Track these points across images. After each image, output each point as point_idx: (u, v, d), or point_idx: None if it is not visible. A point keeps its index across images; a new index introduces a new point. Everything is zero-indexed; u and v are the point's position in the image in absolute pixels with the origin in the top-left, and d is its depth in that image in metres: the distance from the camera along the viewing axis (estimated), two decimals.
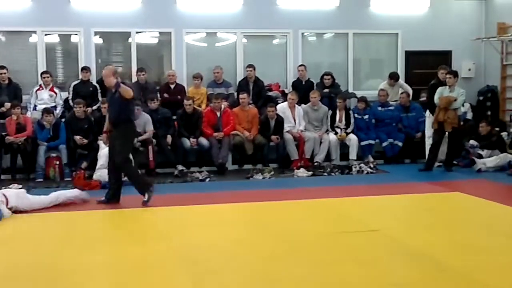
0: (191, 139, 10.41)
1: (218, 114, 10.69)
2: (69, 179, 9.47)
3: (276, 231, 6.33)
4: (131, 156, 7.76)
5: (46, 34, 11.38)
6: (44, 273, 4.97)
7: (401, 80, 12.26)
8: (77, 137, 9.93)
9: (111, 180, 7.81)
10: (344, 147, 11.14)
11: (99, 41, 11.74)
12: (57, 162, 9.89)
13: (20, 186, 8.11)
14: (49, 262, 5.26)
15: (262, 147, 10.70)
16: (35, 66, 11.34)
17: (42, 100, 10.64)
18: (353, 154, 10.94)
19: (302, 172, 10.17)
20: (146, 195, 7.59)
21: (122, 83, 7.61)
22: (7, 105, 10.25)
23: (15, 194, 7.33)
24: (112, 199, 7.69)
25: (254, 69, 11.42)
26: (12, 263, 5.29)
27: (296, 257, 5.37)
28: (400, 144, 11.27)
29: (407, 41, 12.69)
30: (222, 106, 10.76)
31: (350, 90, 12.34)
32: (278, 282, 4.64)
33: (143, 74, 11.05)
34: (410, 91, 11.86)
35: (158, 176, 9.87)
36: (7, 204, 7.02)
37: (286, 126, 10.89)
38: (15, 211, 7.10)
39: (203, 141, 10.48)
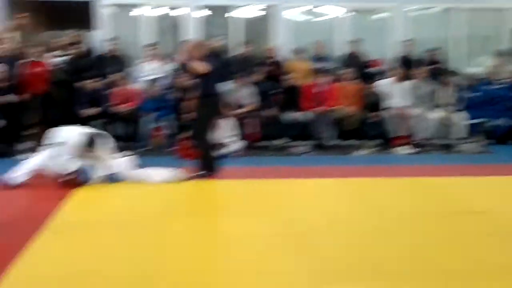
0: (292, 113, 10.40)
1: (320, 88, 10.61)
2: (174, 148, 9.69)
3: (377, 209, 6.23)
4: (209, 131, 7.75)
5: (154, 7, 11.65)
6: (146, 242, 5.12)
7: None
8: (177, 94, 10.13)
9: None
10: (449, 125, 10.81)
11: (203, 14, 11.88)
12: (162, 132, 10.15)
13: (128, 154, 8.35)
14: (153, 233, 5.41)
15: (364, 123, 10.57)
16: (142, 38, 11.65)
17: (148, 71, 10.90)
18: (458, 133, 10.60)
19: (404, 150, 9.98)
20: (202, 172, 7.52)
21: (207, 57, 7.64)
22: (115, 75, 10.59)
23: (120, 163, 7.61)
24: (211, 169, 7.72)
25: (358, 44, 11.24)
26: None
27: (397, 236, 5.25)
28: (510, 123, 10.81)
29: None
30: (324, 81, 10.67)
31: (456, 67, 11.90)
32: (380, 260, 4.57)
33: (245, 48, 11.12)
34: None
35: (259, 149, 9.95)
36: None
37: (389, 102, 10.68)
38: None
39: (304, 115, 10.45)
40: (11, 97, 9.69)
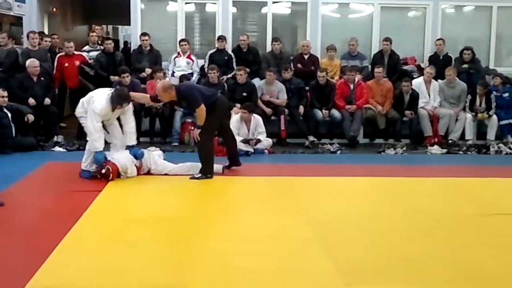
0: (323, 111, 10.34)
1: (352, 86, 10.55)
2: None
3: (409, 209, 6.20)
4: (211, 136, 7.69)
5: (186, 3, 11.69)
6: (176, 238, 5.16)
7: None
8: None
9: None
10: (480, 126, 10.69)
11: (235, 10, 11.88)
12: (192, 128, 10.14)
13: (158, 149, 8.41)
14: (183, 228, 5.45)
15: (395, 122, 10.47)
16: (174, 33, 11.69)
17: (180, 67, 10.95)
18: (491, 134, 10.43)
19: (435, 150, 9.87)
20: (199, 175, 7.37)
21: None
22: (148, 70, 10.67)
23: (152, 157, 7.68)
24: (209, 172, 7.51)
25: (391, 42, 11.12)
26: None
27: (431, 237, 5.24)
28: None
29: None
30: (356, 79, 10.61)
31: (491, 67, 11.74)
32: (413, 262, 4.56)
33: (277, 44, 11.09)
34: None
35: (289, 146, 9.94)
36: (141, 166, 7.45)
37: (421, 102, 10.58)
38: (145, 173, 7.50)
39: (335, 113, 10.40)
40: (31, 101, 9.67)
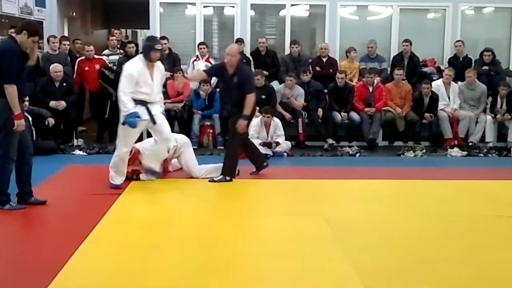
0: (342, 113, 10.33)
1: (371, 89, 10.53)
2: (222, 147, 9.77)
3: (428, 211, 6.17)
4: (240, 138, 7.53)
5: (205, 6, 11.75)
6: (197, 240, 5.17)
7: None
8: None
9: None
10: (501, 128, 10.62)
11: (253, 13, 11.90)
12: (211, 131, 10.25)
13: None
14: (203, 231, 5.46)
15: (414, 124, 10.43)
16: (193, 37, 11.75)
17: (199, 70, 10.98)
18: (510, 135, 10.37)
19: (456, 152, 9.81)
20: (220, 177, 7.33)
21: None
22: (167, 74, 10.68)
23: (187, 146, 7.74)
24: (231, 174, 7.48)
25: (411, 44, 11.08)
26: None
27: (450, 239, 5.23)
28: None
29: None
30: (375, 81, 10.58)
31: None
32: (432, 264, 4.54)
33: (296, 47, 11.10)
34: None
35: (308, 148, 9.93)
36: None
37: (440, 104, 10.53)
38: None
39: (354, 115, 10.39)
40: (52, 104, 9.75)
